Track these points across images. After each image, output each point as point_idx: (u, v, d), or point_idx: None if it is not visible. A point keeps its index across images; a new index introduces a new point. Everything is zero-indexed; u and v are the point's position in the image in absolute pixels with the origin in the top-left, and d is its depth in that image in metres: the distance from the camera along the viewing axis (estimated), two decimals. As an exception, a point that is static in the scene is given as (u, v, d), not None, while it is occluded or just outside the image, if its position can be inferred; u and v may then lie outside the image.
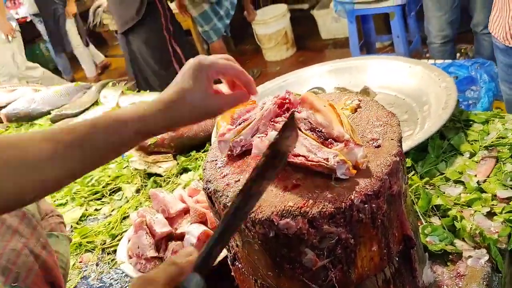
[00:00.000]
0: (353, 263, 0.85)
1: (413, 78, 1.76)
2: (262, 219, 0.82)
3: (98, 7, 5.69)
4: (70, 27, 6.94)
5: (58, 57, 7.33)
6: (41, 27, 7.10)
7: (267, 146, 0.77)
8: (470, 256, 1.11)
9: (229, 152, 1.00)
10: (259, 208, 0.83)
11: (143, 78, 4.27)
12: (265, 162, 0.72)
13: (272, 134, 0.93)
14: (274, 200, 0.84)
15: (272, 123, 1.00)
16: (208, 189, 0.96)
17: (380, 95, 1.88)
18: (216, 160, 1.02)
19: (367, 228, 0.83)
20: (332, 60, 1.95)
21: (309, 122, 0.95)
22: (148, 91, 2.81)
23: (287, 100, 1.03)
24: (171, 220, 1.29)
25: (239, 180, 0.93)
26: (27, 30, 7.11)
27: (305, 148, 0.89)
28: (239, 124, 1.03)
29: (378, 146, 0.90)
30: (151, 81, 4.21)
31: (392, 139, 0.91)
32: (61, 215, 1.38)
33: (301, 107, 1.01)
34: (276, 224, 0.80)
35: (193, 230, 1.23)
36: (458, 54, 4.43)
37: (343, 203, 0.79)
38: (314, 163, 0.85)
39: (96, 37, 7.89)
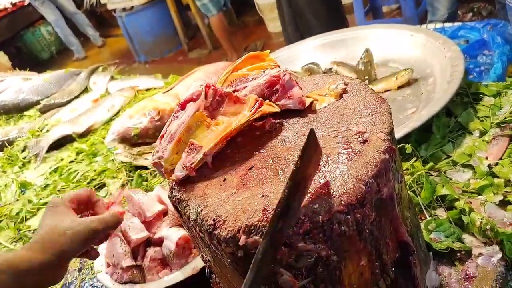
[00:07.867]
0: (339, 282, 0.72)
1: (415, 48, 1.60)
2: (227, 237, 0.69)
3: (93, -14, 5.50)
4: None
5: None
6: (43, 10, 6.94)
7: (290, 174, 0.65)
8: (480, 254, 0.97)
9: None
10: (224, 224, 0.71)
11: (306, 26, 3.38)
12: (288, 195, 0.63)
13: None
14: (240, 213, 0.71)
15: None
16: (173, 197, 0.84)
17: (380, 67, 1.72)
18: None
19: (352, 242, 0.70)
20: (327, 32, 1.77)
21: None
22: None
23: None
24: (148, 224, 1.17)
25: (206, 188, 0.80)
26: (25, 14, 6.96)
27: None
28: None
29: (365, 141, 0.76)
30: (312, 25, 3.31)
31: (381, 131, 0.77)
32: None
33: None
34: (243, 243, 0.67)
35: (171, 235, 1.11)
36: (470, 14, 4.18)
37: (319, 216, 0.66)
38: None
39: (96, 18, 7.76)
